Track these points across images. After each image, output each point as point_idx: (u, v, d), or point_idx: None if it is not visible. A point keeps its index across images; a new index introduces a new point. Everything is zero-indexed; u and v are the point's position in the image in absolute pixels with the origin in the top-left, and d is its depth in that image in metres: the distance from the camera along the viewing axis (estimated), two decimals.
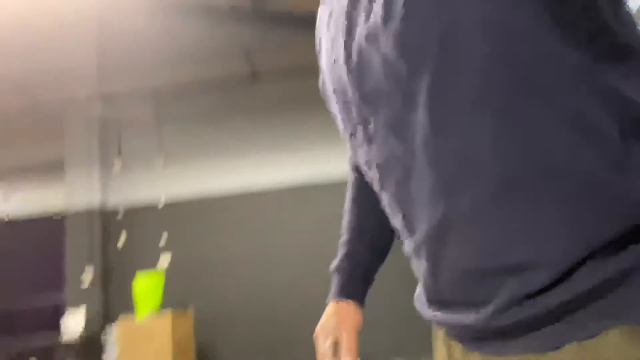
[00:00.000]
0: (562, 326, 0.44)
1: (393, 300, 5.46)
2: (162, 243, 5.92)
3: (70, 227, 5.89)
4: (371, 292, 0.89)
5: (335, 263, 0.89)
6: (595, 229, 0.41)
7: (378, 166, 0.54)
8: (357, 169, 0.88)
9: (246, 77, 6.10)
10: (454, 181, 0.45)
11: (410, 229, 0.53)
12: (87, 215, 5.90)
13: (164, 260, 5.87)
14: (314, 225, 5.72)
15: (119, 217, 6.05)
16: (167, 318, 4.59)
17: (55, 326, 5.54)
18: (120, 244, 5.99)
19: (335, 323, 0.82)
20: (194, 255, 5.84)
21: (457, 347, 0.58)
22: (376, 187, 0.58)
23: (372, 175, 0.57)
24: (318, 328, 0.85)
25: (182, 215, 5.97)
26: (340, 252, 0.89)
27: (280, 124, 6.06)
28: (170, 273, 5.66)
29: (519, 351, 0.47)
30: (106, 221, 6.02)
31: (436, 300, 0.56)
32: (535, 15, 0.40)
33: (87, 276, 5.69)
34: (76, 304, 5.63)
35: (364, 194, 0.85)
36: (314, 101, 5.94)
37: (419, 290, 0.62)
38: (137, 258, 5.90)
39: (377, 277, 0.90)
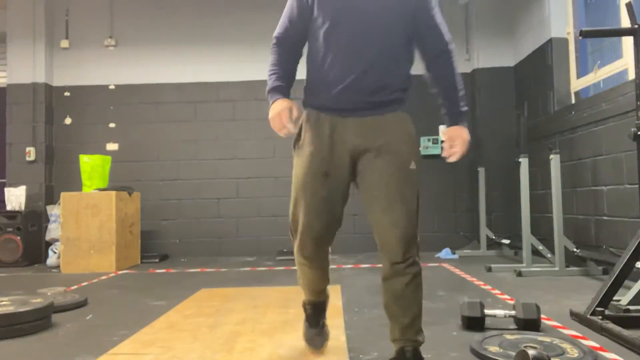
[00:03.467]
0: (389, 108, 1.73)
1: None
2: (111, 125, 5.98)
3: (12, 98, 5.79)
4: None
5: (274, 84, 1.76)
6: (405, 83, 1.76)
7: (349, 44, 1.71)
8: (282, 39, 1.82)
9: None
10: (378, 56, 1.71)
11: (348, 68, 1.69)
12: (33, 88, 5.80)
13: (112, 144, 5.95)
14: (264, 123, 5.92)
15: (67, 93, 5.99)
16: (111, 195, 4.81)
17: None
18: (67, 121, 5.99)
19: (289, 103, 1.71)
20: (142, 142, 5.96)
21: (338, 120, 1.74)
22: (336, 50, 1.71)
23: (345, 44, 1.70)
24: (283, 103, 1.71)
25: (131, 100, 5.98)
26: (275, 77, 1.78)
27: (239, 19, 6.00)
28: (117, 158, 5.80)
29: (374, 110, 1.72)
30: (51, 97, 5.95)
31: (354, 91, 1.71)
32: (410, 39, 1.75)
33: (31, 151, 5.71)
34: (19, 177, 5.71)
35: (290, 55, 1.82)
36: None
37: (333, 93, 1.73)
38: (84, 138, 5.95)
39: None
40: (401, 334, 1.70)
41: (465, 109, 1.79)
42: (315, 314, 2.04)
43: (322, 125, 1.74)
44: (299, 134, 1.80)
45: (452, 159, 1.74)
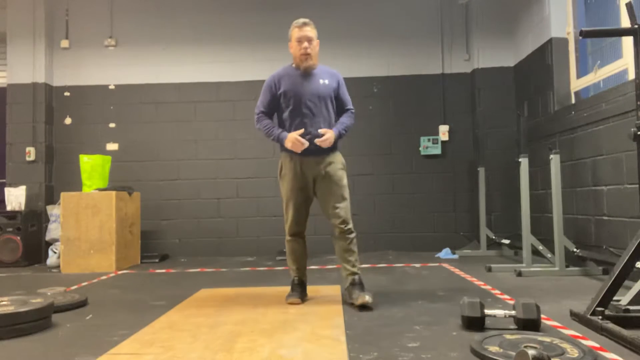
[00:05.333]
0: (330, 151, 3.08)
1: None
2: (111, 125, 5.98)
3: (12, 98, 5.79)
4: None
5: (278, 131, 3.07)
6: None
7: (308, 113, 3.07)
8: (265, 112, 3.14)
9: None
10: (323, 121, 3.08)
11: (305, 132, 3.02)
12: (33, 88, 5.81)
13: (112, 144, 5.95)
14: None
15: (67, 93, 5.99)
16: (111, 195, 4.81)
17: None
18: (67, 121, 5.99)
19: (295, 133, 2.99)
20: (142, 142, 5.96)
21: (303, 159, 3.06)
22: (299, 116, 3.05)
23: (305, 113, 3.05)
24: (292, 134, 2.98)
25: (131, 100, 5.98)
26: (278, 129, 3.08)
27: (239, 20, 6.00)
28: (117, 158, 5.80)
29: (323, 153, 3.06)
30: (51, 97, 5.95)
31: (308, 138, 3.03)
32: (334, 106, 3.16)
33: (31, 151, 5.71)
34: (19, 177, 5.71)
35: (271, 119, 3.16)
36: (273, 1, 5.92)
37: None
38: (84, 138, 5.96)
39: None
40: (350, 268, 3.07)
41: (342, 132, 3.12)
42: (299, 286, 3.18)
43: (295, 161, 3.07)
44: (281, 168, 3.14)
45: (322, 144, 2.97)
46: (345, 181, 3.12)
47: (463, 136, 5.87)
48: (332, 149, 3.10)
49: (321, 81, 3.11)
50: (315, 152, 3.03)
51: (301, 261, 3.20)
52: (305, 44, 3.06)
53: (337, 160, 3.13)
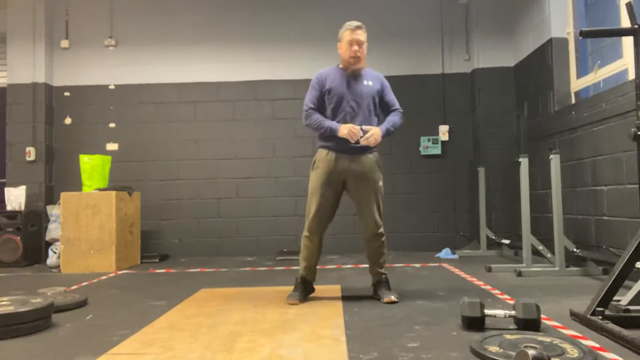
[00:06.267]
0: (367, 151, 3.13)
1: None
2: (111, 125, 5.98)
3: (12, 98, 5.79)
4: None
5: (330, 122, 3.07)
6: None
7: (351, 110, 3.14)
8: (314, 108, 3.15)
9: None
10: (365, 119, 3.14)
11: (350, 121, 3.09)
12: (33, 88, 5.81)
13: (112, 144, 5.95)
14: (264, 123, 5.92)
15: (67, 93, 5.99)
16: (111, 195, 4.81)
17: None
18: (67, 121, 5.99)
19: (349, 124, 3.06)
20: (142, 142, 5.96)
21: (339, 155, 3.09)
22: (341, 114, 3.12)
23: (347, 111, 3.11)
24: (346, 124, 3.03)
25: (131, 100, 5.98)
26: (329, 121, 3.09)
27: (239, 19, 6.00)
28: (117, 158, 5.80)
29: (359, 152, 3.09)
30: (51, 97, 5.95)
31: (347, 142, 3.06)
32: (377, 107, 3.22)
33: (31, 151, 5.71)
34: (19, 177, 5.71)
35: (320, 113, 3.14)
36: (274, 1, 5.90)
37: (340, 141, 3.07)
38: (84, 138, 5.95)
39: None
40: (378, 269, 3.21)
41: (390, 129, 3.17)
42: (303, 285, 3.17)
43: (330, 156, 3.10)
44: (314, 162, 3.16)
45: (365, 142, 3.01)
46: (380, 182, 3.16)
47: (463, 136, 5.86)
48: (369, 148, 3.12)
49: (365, 82, 3.17)
50: (352, 150, 3.07)
51: (311, 260, 3.18)
52: (356, 47, 3.15)
53: (374, 160, 3.15)
